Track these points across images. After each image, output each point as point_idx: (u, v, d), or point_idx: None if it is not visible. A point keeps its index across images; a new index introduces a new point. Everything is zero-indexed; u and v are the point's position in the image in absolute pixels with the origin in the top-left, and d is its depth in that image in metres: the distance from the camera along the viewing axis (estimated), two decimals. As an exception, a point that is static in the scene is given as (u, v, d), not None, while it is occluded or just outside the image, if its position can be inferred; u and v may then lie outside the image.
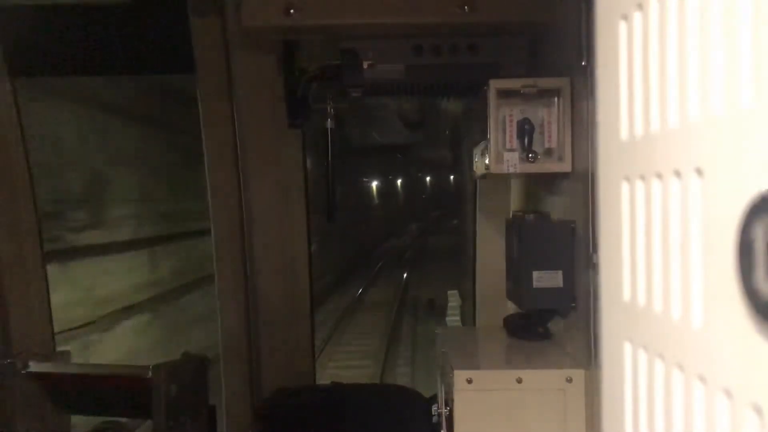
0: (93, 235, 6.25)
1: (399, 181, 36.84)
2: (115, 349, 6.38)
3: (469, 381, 1.91)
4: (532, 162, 2.04)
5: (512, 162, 2.06)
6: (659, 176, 0.62)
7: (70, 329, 5.34)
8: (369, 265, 21.52)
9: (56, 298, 3.18)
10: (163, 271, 7.92)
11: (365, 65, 2.38)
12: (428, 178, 40.97)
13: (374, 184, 31.08)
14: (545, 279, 2.03)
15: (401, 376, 9.89)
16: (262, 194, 2.76)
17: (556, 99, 2.04)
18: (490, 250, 2.65)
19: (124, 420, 2.79)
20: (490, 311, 2.65)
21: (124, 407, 2.74)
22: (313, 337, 3.01)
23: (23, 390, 2.69)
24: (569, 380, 1.90)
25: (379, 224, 29.84)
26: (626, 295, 0.69)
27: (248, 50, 2.59)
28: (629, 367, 0.69)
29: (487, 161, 2.09)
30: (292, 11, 2.26)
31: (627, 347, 0.69)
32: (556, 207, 2.16)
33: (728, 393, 0.50)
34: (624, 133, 0.69)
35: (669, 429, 0.61)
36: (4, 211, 2.81)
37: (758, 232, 0.45)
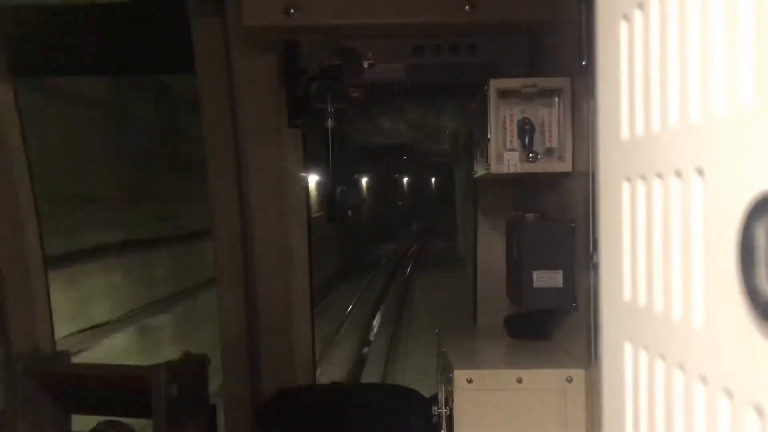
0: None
1: (365, 181, 28.54)
2: None
3: (470, 381, 1.91)
4: (533, 162, 2.04)
5: (512, 162, 2.06)
6: (660, 176, 0.61)
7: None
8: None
9: None
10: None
11: (365, 65, 2.38)
12: (406, 179, 35.53)
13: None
14: (545, 279, 2.03)
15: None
16: (262, 194, 2.76)
17: (556, 99, 2.04)
18: (491, 250, 2.65)
19: (124, 420, 2.79)
20: (490, 311, 2.64)
21: (124, 407, 2.74)
22: (314, 337, 3.01)
23: (23, 390, 2.69)
24: (569, 380, 1.90)
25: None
26: (627, 294, 0.69)
27: (248, 50, 2.59)
28: (630, 367, 0.69)
29: (487, 161, 2.09)
30: (292, 11, 2.25)
31: (627, 347, 0.69)
32: (557, 207, 2.16)
33: (729, 393, 0.50)
34: (625, 133, 0.69)
35: (670, 429, 0.61)
36: (4, 212, 2.81)
37: (759, 232, 0.45)
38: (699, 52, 0.56)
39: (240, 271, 2.84)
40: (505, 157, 2.06)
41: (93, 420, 2.84)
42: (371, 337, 11.28)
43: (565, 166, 2.02)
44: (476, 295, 2.79)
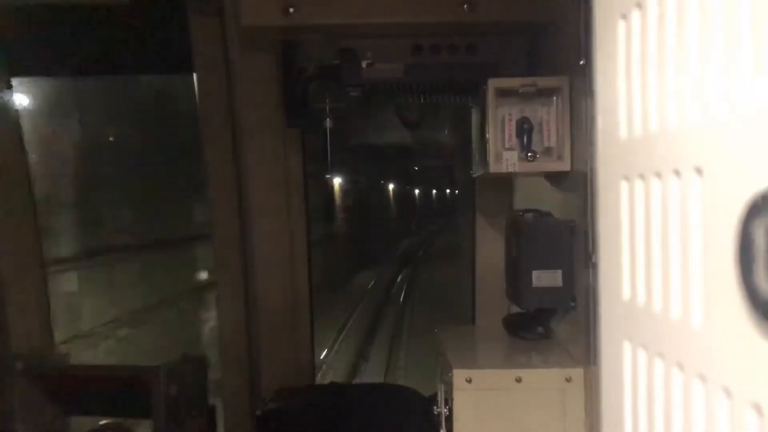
0: None
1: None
2: None
3: (469, 380, 1.91)
4: (531, 161, 2.04)
5: (511, 161, 2.06)
6: (658, 175, 0.61)
7: None
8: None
9: None
10: None
11: (364, 65, 2.38)
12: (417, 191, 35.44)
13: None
14: (544, 278, 2.03)
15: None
16: (261, 194, 2.76)
17: (554, 98, 2.04)
18: (490, 250, 2.64)
19: (123, 421, 2.79)
20: (489, 311, 2.64)
21: (124, 407, 2.74)
22: (313, 337, 3.01)
23: (23, 390, 2.69)
24: (568, 380, 1.90)
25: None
26: (625, 294, 0.69)
27: (247, 50, 2.59)
28: (629, 366, 0.69)
29: (486, 161, 2.09)
30: (290, 11, 2.25)
31: (626, 346, 0.69)
32: (555, 206, 2.16)
33: (728, 392, 0.50)
34: (623, 133, 0.69)
35: (668, 428, 0.61)
36: (3, 213, 2.81)
37: (758, 231, 0.45)
38: (697, 51, 0.56)
39: (240, 272, 2.84)
40: (503, 157, 2.06)
41: (92, 422, 2.84)
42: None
43: (564, 166, 2.02)
44: (475, 294, 2.79)
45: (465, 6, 2.24)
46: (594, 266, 1.77)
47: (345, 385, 2.84)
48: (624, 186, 0.69)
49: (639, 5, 0.65)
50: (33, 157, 3.15)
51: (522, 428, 1.92)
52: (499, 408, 1.92)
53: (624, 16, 0.68)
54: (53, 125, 6.29)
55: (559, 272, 2.02)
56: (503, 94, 2.06)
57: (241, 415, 2.85)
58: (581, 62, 1.80)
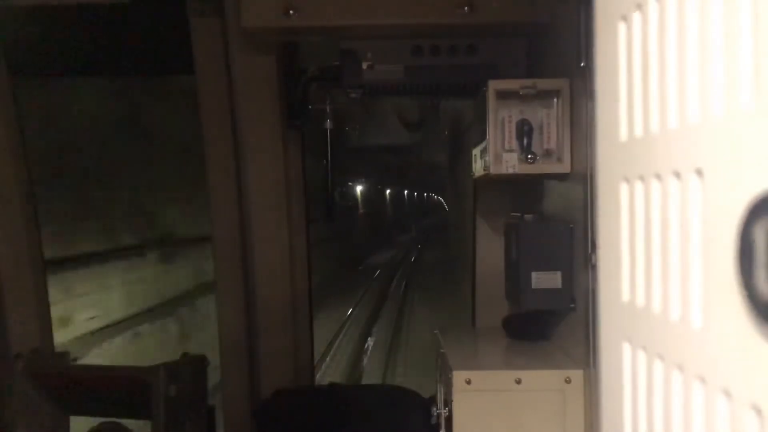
0: None
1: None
2: None
3: (468, 381, 1.91)
4: (531, 163, 2.04)
5: (511, 163, 2.06)
6: (658, 177, 0.62)
7: None
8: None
9: None
10: None
11: (364, 66, 2.38)
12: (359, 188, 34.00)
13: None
14: (544, 280, 2.03)
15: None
16: (261, 194, 2.76)
17: (555, 100, 2.04)
18: (489, 251, 2.65)
19: (122, 421, 2.79)
20: (489, 312, 2.64)
21: (123, 407, 2.74)
22: (312, 338, 3.01)
23: (23, 390, 2.69)
24: (568, 381, 1.90)
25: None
26: (625, 295, 0.69)
27: (248, 51, 2.60)
28: (628, 367, 0.69)
29: (486, 162, 2.09)
30: (291, 12, 2.26)
31: (626, 348, 0.69)
32: (555, 208, 2.16)
33: (728, 393, 0.50)
34: (623, 134, 0.69)
35: (668, 429, 0.61)
36: (3, 213, 2.81)
37: (759, 233, 0.45)
38: (697, 53, 0.56)
39: (239, 272, 2.84)
40: (503, 158, 2.06)
41: (91, 421, 2.83)
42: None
43: (564, 168, 2.02)
44: (475, 295, 2.79)
45: (465, 7, 2.24)
46: (594, 268, 1.77)
47: (344, 386, 2.83)
48: (624, 188, 0.69)
49: (639, 7, 0.65)
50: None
51: (521, 429, 1.92)
52: (499, 409, 1.92)
53: (624, 18, 0.68)
54: None
55: (559, 274, 2.02)
56: (503, 95, 2.06)
57: (241, 415, 2.85)
58: (581, 64, 1.80)
